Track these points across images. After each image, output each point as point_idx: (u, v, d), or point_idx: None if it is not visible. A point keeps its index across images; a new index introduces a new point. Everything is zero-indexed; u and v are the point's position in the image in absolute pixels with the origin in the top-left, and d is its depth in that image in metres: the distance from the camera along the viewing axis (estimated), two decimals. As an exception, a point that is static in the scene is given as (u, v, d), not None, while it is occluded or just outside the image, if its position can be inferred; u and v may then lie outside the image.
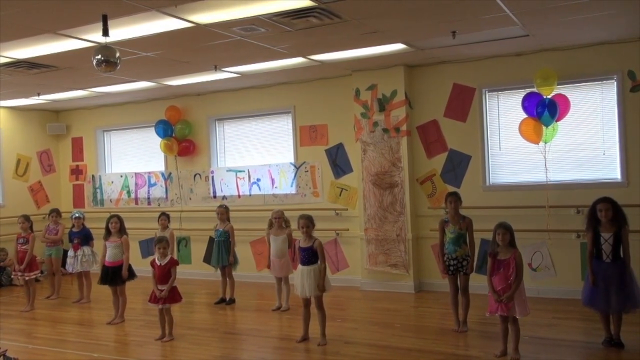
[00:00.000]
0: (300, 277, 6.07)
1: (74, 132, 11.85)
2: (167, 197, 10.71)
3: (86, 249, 8.74)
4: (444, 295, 7.17)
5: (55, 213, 9.17)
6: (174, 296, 6.52)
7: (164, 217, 8.56)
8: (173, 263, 6.53)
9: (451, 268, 6.37)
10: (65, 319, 7.83)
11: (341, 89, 9.05)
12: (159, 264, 6.49)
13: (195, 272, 10.24)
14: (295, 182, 9.54)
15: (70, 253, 8.81)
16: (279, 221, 7.64)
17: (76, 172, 11.86)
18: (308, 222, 6.06)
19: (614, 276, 5.48)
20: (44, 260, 9.53)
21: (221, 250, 8.15)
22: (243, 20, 5.74)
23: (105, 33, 5.31)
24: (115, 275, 7.31)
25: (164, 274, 6.46)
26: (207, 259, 9.81)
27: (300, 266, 6.13)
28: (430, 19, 6.07)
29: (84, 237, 8.78)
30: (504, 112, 8.14)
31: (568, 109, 7.47)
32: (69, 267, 8.85)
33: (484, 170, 8.20)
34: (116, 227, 7.38)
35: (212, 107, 10.29)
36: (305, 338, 6.23)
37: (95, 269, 8.61)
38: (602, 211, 5.53)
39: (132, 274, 7.46)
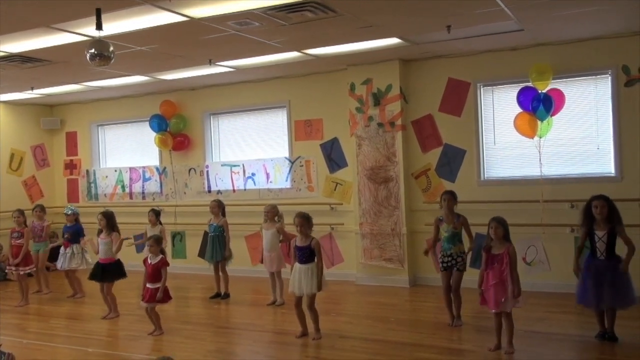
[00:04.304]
0: (298, 275, 6.04)
1: (68, 126, 11.80)
2: (161, 192, 10.68)
3: (75, 247, 8.57)
4: (439, 289, 7.16)
5: (39, 209, 8.92)
6: (162, 296, 6.47)
7: (152, 213, 8.45)
8: (163, 263, 6.49)
9: (444, 265, 6.39)
10: (59, 314, 7.82)
11: (336, 83, 9.03)
12: (150, 262, 6.48)
13: (190, 266, 10.24)
14: (290, 177, 9.53)
15: (62, 250, 8.68)
16: (270, 215, 7.70)
17: (70, 166, 11.81)
18: (303, 221, 6.02)
19: (607, 273, 5.48)
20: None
21: (215, 246, 8.15)
22: (237, 14, 5.71)
23: (99, 27, 5.27)
24: (104, 272, 7.31)
25: (153, 272, 6.44)
26: (201, 254, 9.80)
27: (297, 264, 6.09)
28: (425, 13, 6.05)
29: (73, 234, 8.62)
30: (498, 106, 8.15)
31: (563, 103, 7.47)
32: (58, 264, 8.71)
33: (479, 164, 8.21)
34: (101, 224, 7.35)
35: (207, 101, 10.26)
36: (304, 334, 6.20)
37: (84, 267, 8.53)
38: (597, 207, 5.54)
39: (121, 273, 7.42)
